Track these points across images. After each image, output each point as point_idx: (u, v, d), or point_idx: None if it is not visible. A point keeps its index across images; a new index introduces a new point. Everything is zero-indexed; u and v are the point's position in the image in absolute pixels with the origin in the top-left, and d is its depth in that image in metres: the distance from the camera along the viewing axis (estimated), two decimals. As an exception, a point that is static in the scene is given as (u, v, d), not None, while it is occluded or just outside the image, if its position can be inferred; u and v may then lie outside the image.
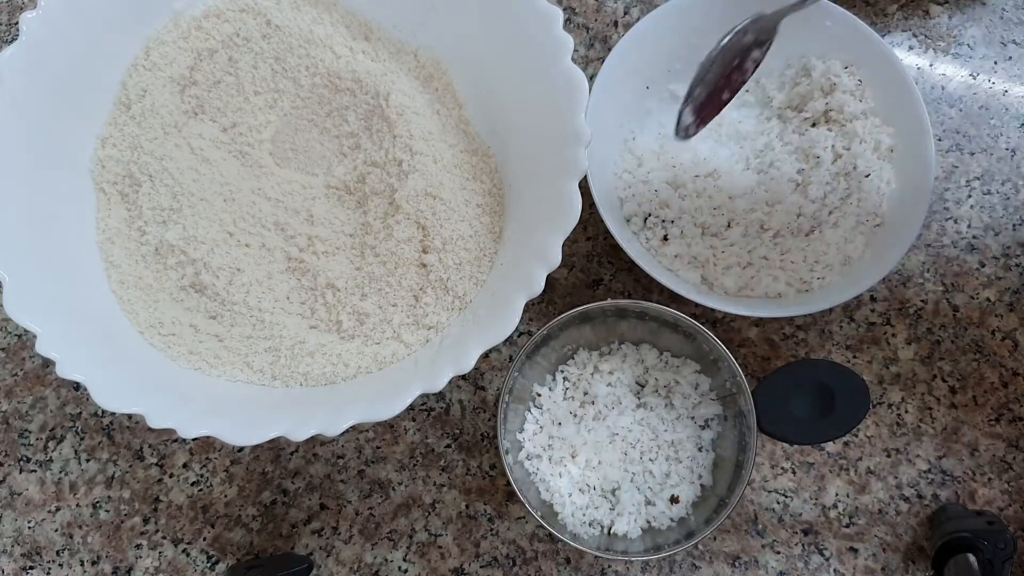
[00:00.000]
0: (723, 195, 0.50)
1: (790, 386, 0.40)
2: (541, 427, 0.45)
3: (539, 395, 0.45)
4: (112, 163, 0.46)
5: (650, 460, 0.44)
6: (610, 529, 0.43)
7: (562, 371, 0.46)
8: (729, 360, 0.42)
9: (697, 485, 0.44)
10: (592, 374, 0.46)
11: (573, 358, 0.47)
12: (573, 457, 0.44)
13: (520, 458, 0.44)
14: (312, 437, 0.38)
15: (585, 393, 0.45)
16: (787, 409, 0.40)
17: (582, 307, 0.42)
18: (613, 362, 0.46)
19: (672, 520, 0.43)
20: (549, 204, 0.40)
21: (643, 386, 0.46)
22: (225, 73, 0.47)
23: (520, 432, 0.45)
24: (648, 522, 0.43)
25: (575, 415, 0.45)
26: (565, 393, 0.46)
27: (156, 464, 0.49)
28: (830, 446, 0.49)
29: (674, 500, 0.43)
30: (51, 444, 0.50)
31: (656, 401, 0.45)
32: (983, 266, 0.51)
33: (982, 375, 0.50)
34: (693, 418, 0.45)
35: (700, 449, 0.45)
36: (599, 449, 0.44)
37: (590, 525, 0.43)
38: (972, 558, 0.44)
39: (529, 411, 0.45)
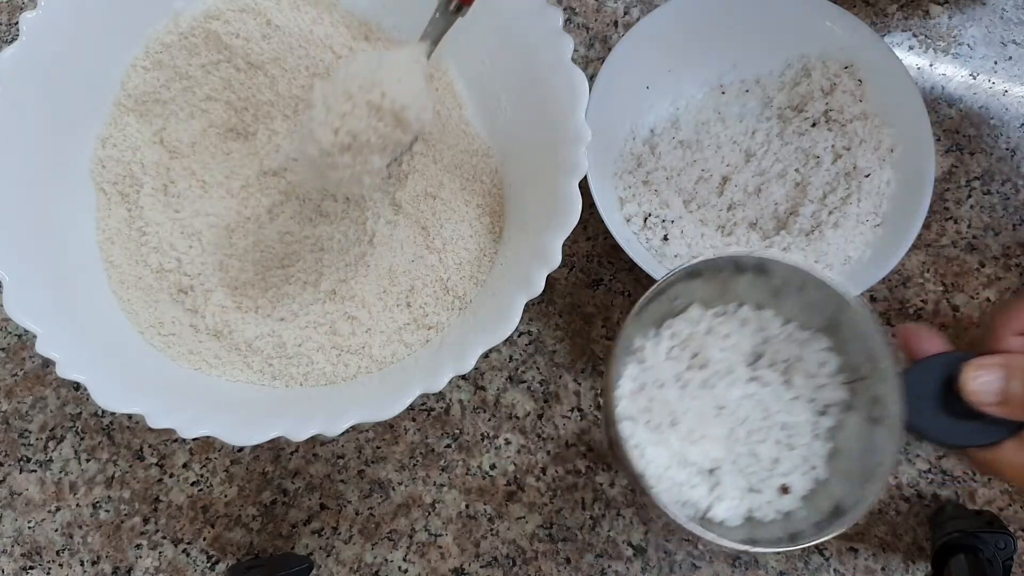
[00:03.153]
0: (723, 195, 0.50)
1: (942, 378, 0.34)
2: (641, 386, 0.38)
3: (641, 349, 0.38)
4: (112, 163, 0.46)
5: (758, 442, 0.38)
6: (705, 513, 0.37)
7: (669, 326, 0.39)
8: (875, 338, 0.35)
9: (810, 477, 0.38)
10: (705, 334, 0.39)
11: (684, 313, 0.39)
12: (673, 425, 0.38)
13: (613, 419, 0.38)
14: (312, 437, 0.38)
15: (694, 355, 0.39)
16: (938, 405, 0.34)
17: (693, 263, 0.36)
18: (730, 324, 0.39)
19: (778, 513, 0.37)
20: (549, 204, 0.40)
21: (760, 357, 0.39)
22: (225, 73, 0.47)
23: (615, 390, 0.38)
24: (750, 510, 0.37)
25: (679, 379, 0.39)
26: (670, 351, 0.39)
27: (156, 464, 0.49)
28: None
29: (784, 490, 0.37)
30: (51, 444, 0.50)
31: (773, 376, 0.39)
32: (983, 266, 0.51)
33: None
34: (813, 401, 0.38)
35: (816, 437, 0.38)
36: (702, 421, 0.38)
37: (683, 505, 0.37)
38: (972, 558, 0.44)
39: (627, 367, 0.38)
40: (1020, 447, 0.32)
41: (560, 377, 0.50)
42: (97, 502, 0.49)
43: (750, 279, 0.38)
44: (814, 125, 0.50)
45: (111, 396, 0.38)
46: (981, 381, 0.32)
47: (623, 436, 0.36)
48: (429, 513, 0.49)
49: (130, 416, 0.50)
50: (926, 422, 0.34)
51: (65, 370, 0.38)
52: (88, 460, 0.50)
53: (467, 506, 0.49)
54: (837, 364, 0.38)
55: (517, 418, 0.50)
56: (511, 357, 0.51)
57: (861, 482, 0.35)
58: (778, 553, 0.38)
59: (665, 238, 0.49)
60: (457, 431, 0.50)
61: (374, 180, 0.39)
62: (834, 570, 0.48)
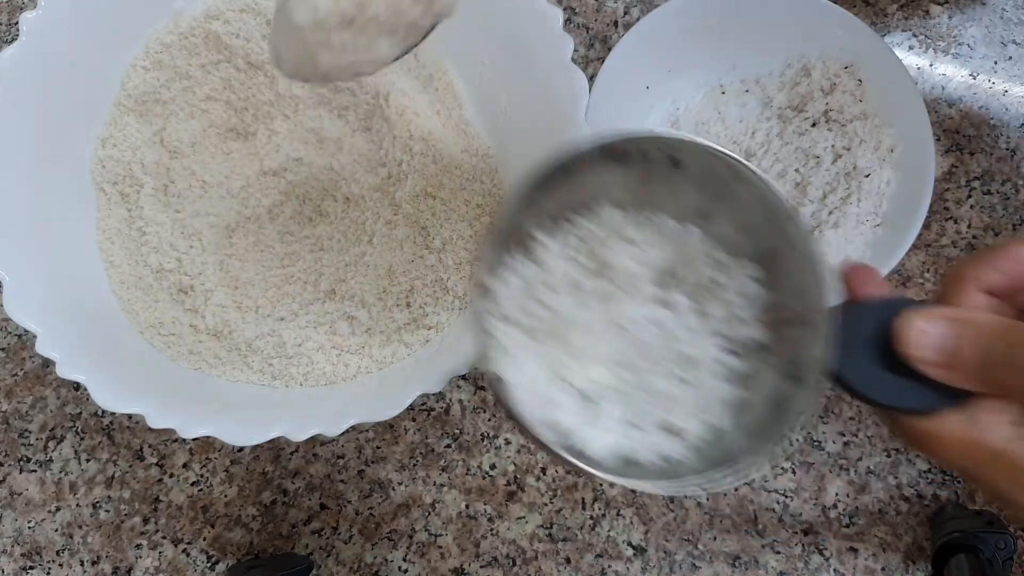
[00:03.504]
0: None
1: (882, 326, 0.27)
2: (528, 285, 0.32)
3: (536, 240, 0.32)
4: (112, 163, 0.46)
5: (653, 372, 0.32)
6: (576, 443, 0.31)
7: (573, 221, 0.33)
8: (814, 270, 0.29)
9: (708, 425, 0.32)
10: (614, 239, 0.33)
11: (592, 210, 0.33)
12: (556, 337, 0.32)
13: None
14: (312, 437, 0.38)
15: (597, 261, 0.33)
16: (874, 357, 0.28)
17: (620, 135, 0.29)
18: (646, 232, 0.33)
19: (661, 458, 0.31)
20: (549, 204, 0.40)
21: (674, 277, 0.33)
22: (225, 73, 0.47)
23: (492, 277, 0.31)
24: (629, 450, 0.31)
25: (575, 285, 0.33)
26: (568, 250, 0.33)
27: (156, 464, 0.49)
28: (830, 445, 0.49)
29: (669, 430, 0.31)
30: (51, 444, 0.50)
31: (684, 302, 0.33)
32: (983, 266, 0.51)
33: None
34: (727, 339, 0.32)
35: (723, 379, 0.32)
36: (591, 338, 0.32)
37: (550, 429, 0.31)
38: (972, 558, 0.44)
39: (514, 258, 0.32)
40: (962, 422, 0.26)
41: (560, 377, 0.50)
42: (97, 502, 0.49)
43: (679, 183, 0.32)
44: (814, 125, 0.50)
45: (111, 396, 0.38)
46: (922, 333, 0.26)
47: (494, 336, 0.31)
48: (429, 513, 0.49)
49: (130, 416, 0.50)
50: (854, 373, 0.28)
51: (65, 370, 0.38)
52: (88, 460, 0.50)
53: (467, 506, 0.49)
54: (763, 301, 0.32)
55: (517, 418, 0.50)
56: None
57: (763, 442, 0.29)
58: (651, 490, 0.31)
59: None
60: (457, 431, 0.50)
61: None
62: (834, 570, 0.48)
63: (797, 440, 0.49)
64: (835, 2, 0.49)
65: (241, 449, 0.50)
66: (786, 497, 0.49)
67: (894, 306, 0.27)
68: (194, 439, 0.50)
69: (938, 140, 0.53)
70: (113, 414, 0.50)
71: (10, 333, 0.52)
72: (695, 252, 0.33)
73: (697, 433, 0.31)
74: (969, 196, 0.52)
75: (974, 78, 0.54)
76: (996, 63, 0.54)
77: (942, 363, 0.26)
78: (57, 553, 0.49)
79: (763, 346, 0.32)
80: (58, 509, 0.49)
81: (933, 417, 0.26)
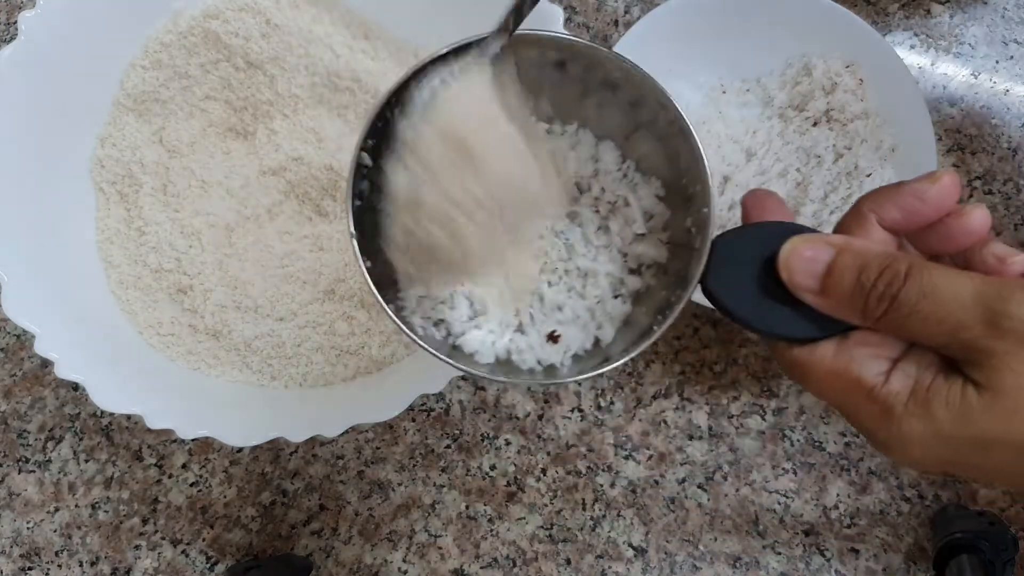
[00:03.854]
0: (724, 194, 0.49)
1: (767, 250, 0.26)
2: (415, 173, 0.31)
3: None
4: (111, 163, 0.46)
5: (548, 282, 0.33)
6: (455, 341, 0.32)
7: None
8: (700, 165, 0.29)
9: (591, 336, 0.32)
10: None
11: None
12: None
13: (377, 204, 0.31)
14: (311, 438, 0.38)
15: None
16: (755, 280, 0.27)
17: (542, 33, 0.30)
18: (559, 143, 0.33)
19: (537, 364, 0.32)
20: (549, 204, 0.40)
21: (581, 191, 0.34)
22: (225, 72, 0.47)
23: (384, 172, 0.30)
24: (507, 352, 0.32)
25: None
26: None
27: (155, 465, 0.49)
28: (831, 446, 0.49)
29: (552, 338, 0.32)
30: (50, 445, 0.50)
31: (590, 216, 0.33)
32: (985, 266, 0.51)
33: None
34: (626, 256, 0.33)
35: (616, 297, 0.33)
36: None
37: (434, 325, 0.32)
38: (974, 559, 0.44)
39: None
40: (839, 352, 0.25)
41: (560, 377, 0.50)
42: (96, 503, 0.49)
43: (600, 98, 0.32)
44: (815, 124, 0.50)
45: (110, 396, 0.38)
46: (803, 259, 0.25)
47: (381, 228, 0.30)
48: (429, 514, 0.49)
49: (129, 416, 0.49)
50: (733, 295, 0.27)
51: (64, 370, 0.38)
52: (87, 461, 0.50)
53: (467, 507, 0.49)
54: (666, 219, 0.32)
55: (517, 419, 0.50)
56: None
57: (636, 343, 0.29)
58: (521, 383, 0.32)
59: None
60: (457, 432, 0.50)
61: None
62: (835, 571, 0.47)
63: (798, 441, 0.49)
64: (836, 1, 0.49)
65: (240, 450, 0.49)
66: (787, 498, 0.48)
67: (783, 231, 0.26)
68: (193, 440, 0.49)
69: (939, 139, 0.53)
70: (112, 414, 0.50)
71: (9, 333, 0.51)
72: (608, 167, 0.33)
73: (580, 343, 0.32)
74: (970, 196, 0.52)
75: (975, 77, 0.54)
76: (997, 62, 0.54)
77: (820, 290, 0.25)
78: (56, 554, 0.49)
79: (659, 265, 0.32)
80: (57, 510, 0.49)
81: (809, 347, 0.26)
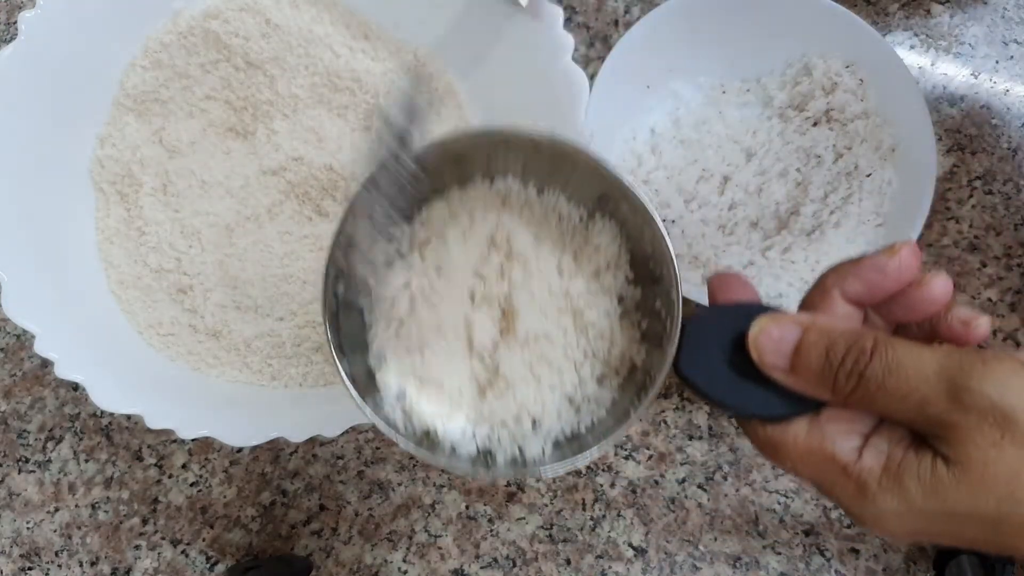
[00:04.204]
0: (724, 194, 0.49)
1: (737, 330, 0.27)
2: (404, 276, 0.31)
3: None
4: (111, 163, 0.46)
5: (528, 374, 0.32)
6: (434, 433, 0.31)
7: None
8: (671, 263, 0.28)
9: (571, 422, 0.31)
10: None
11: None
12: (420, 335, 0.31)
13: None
14: (311, 438, 0.38)
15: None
16: (726, 361, 0.27)
17: (451, 135, 0.29)
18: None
19: (518, 451, 0.31)
20: (549, 204, 0.40)
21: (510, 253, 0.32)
22: (225, 72, 0.47)
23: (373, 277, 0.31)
24: (487, 441, 0.31)
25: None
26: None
27: (155, 465, 0.49)
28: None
29: (528, 426, 0.31)
30: (50, 444, 0.50)
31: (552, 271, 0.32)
32: (984, 266, 0.51)
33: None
34: (591, 343, 0.32)
35: (599, 382, 0.32)
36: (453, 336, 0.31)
37: (413, 419, 0.31)
38: (974, 559, 0.44)
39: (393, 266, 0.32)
40: (812, 430, 0.25)
41: (560, 377, 0.50)
42: (96, 503, 0.49)
43: (568, 175, 0.31)
44: (815, 124, 0.50)
45: (110, 396, 0.38)
46: (771, 337, 0.25)
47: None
48: (429, 514, 0.49)
49: (129, 416, 0.49)
50: (705, 376, 0.27)
51: (64, 370, 0.38)
52: (87, 461, 0.50)
53: (467, 507, 0.49)
54: (636, 300, 0.32)
55: (517, 418, 0.50)
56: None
57: (610, 432, 0.29)
58: (503, 476, 0.31)
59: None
60: (457, 431, 0.50)
61: None
62: (835, 571, 0.47)
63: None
64: (836, 1, 0.49)
65: (240, 450, 0.49)
66: (787, 498, 0.48)
67: (751, 311, 0.27)
68: (193, 440, 0.49)
69: (939, 139, 0.53)
70: (112, 414, 0.50)
71: (9, 333, 0.51)
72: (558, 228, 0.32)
73: (559, 431, 0.31)
74: (971, 196, 0.52)
75: (975, 77, 0.54)
76: (998, 62, 0.54)
77: (789, 369, 0.25)
78: (56, 554, 0.49)
79: (628, 360, 0.31)
80: (57, 510, 0.49)
81: (782, 425, 0.26)
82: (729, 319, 0.27)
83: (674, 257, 0.29)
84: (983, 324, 0.26)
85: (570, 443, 0.31)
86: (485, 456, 0.31)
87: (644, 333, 0.31)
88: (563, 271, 0.31)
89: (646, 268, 0.31)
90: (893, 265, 0.26)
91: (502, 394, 0.31)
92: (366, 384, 0.31)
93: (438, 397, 0.31)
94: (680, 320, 0.28)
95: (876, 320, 0.28)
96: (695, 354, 0.28)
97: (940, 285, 0.26)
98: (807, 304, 0.28)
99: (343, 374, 0.29)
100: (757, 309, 0.27)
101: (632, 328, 0.31)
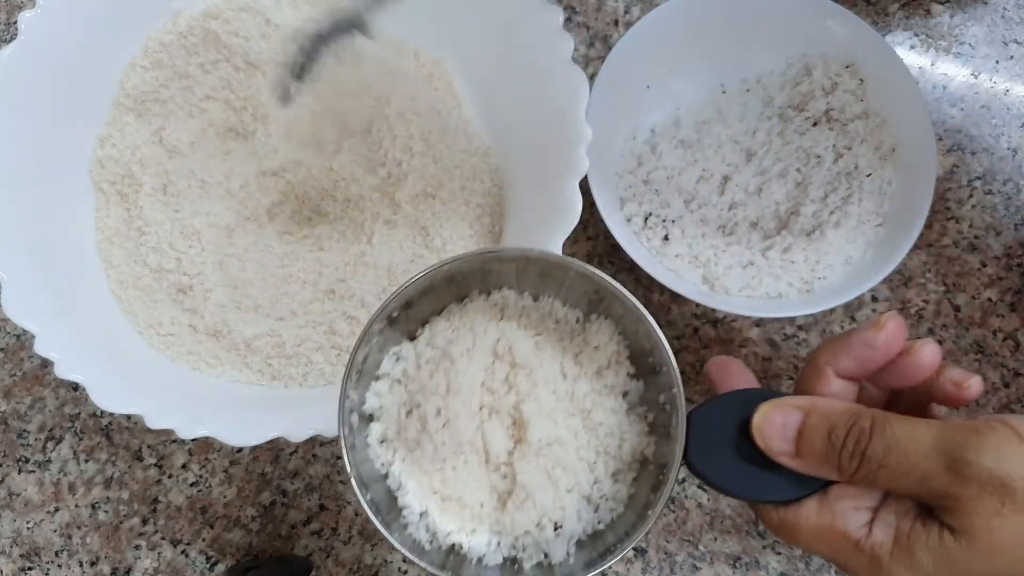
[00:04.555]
0: (724, 194, 0.49)
1: (739, 418, 0.28)
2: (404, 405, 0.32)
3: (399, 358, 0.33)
4: (111, 163, 0.46)
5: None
6: (460, 549, 0.32)
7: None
8: (669, 358, 0.29)
9: (592, 521, 0.32)
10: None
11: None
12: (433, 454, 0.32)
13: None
14: (312, 438, 0.38)
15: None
16: (732, 450, 0.28)
17: (447, 262, 0.31)
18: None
19: (544, 556, 0.31)
20: (549, 204, 0.40)
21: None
22: (224, 72, 0.47)
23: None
24: (512, 549, 0.32)
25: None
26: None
27: (155, 465, 0.49)
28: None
29: (554, 528, 0.31)
30: (50, 444, 0.50)
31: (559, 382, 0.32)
32: (985, 266, 0.51)
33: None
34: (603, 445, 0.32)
35: (614, 479, 0.32)
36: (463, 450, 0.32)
37: (435, 536, 0.32)
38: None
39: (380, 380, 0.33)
40: (822, 509, 0.26)
41: (560, 377, 0.50)
42: (96, 503, 0.49)
43: (560, 284, 0.33)
44: (815, 124, 0.50)
45: (110, 396, 0.38)
46: (774, 425, 0.26)
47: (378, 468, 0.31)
48: (429, 514, 0.49)
49: (129, 416, 0.49)
50: (713, 468, 0.28)
51: (63, 370, 0.38)
52: (87, 461, 0.50)
53: (467, 507, 0.49)
54: (640, 393, 0.32)
55: (517, 418, 0.49)
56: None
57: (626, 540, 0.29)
58: None
59: (666, 238, 0.48)
60: (457, 432, 0.49)
61: None
62: (835, 571, 0.47)
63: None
64: (836, 1, 0.49)
65: (240, 450, 0.49)
66: (787, 498, 0.48)
67: (752, 398, 0.28)
68: (193, 440, 0.49)
69: (939, 139, 0.53)
70: (112, 414, 0.50)
71: (8, 333, 0.51)
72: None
73: (581, 530, 0.32)
74: (971, 196, 0.52)
75: (975, 77, 0.54)
76: (998, 62, 0.54)
77: (795, 453, 0.26)
78: (56, 554, 0.49)
79: (640, 458, 0.32)
80: (57, 510, 0.49)
81: (793, 507, 0.27)
82: (732, 408, 0.28)
83: (671, 353, 0.30)
84: (975, 384, 0.27)
85: (592, 541, 0.32)
86: (512, 563, 0.32)
87: (651, 425, 0.32)
88: (566, 374, 0.32)
89: (646, 361, 0.32)
90: (881, 340, 0.27)
91: (522, 503, 0.31)
92: (389, 508, 0.31)
93: (460, 513, 0.32)
94: (684, 415, 0.29)
95: (871, 389, 0.29)
96: (703, 447, 0.28)
97: (928, 353, 0.27)
98: (802, 383, 0.29)
99: (366, 505, 0.30)
100: (758, 396, 0.28)
101: (640, 421, 0.32)
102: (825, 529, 0.26)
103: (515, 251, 0.32)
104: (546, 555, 0.31)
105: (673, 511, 0.48)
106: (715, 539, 0.48)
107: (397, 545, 0.30)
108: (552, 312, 0.33)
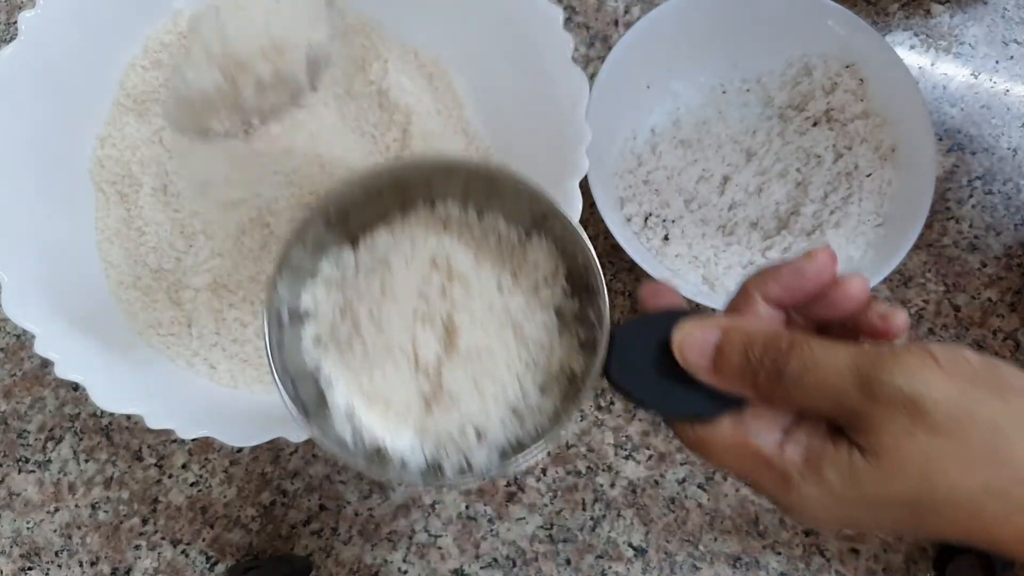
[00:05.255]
0: (724, 194, 0.49)
1: (664, 335, 0.28)
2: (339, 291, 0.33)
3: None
4: (111, 163, 0.46)
5: (451, 373, 0.32)
6: (383, 449, 0.32)
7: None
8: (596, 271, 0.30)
9: (515, 432, 0.32)
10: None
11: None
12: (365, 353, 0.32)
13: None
14: (311, 438, 0.38)
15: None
16: (654, 366, 0.28)
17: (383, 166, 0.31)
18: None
19: (466, 463, 0.32)
20: (549, 204, 0.40)
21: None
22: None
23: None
24: (435, 454, 0.32)
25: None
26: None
27: (155, 465, 0.49)
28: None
29: (471, 437, 0.32)
30: (50, 444, 0.50)
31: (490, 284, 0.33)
32: (985, 266, 0.51)
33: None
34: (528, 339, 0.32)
35: (541, 392, 0.33)
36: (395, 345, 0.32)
37: (361, 435, 0.32)
38: (975, 559, 0.44)
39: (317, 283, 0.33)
40: (736, 426, 0.27)
41: (560, 377, 0.50)
42: (96, 503, 0.49)
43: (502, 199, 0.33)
44: (815, 124, 0.50)
45: (110, 396, 0.38)
46: (694, 339, 0.27)
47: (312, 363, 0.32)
48: (429, 514, 0.49)
49: (129, 416, 0.49)
50: (633, 381, 0.29)
51: (63, 370, 0.38)
52: (87, 461, 0.50)
53: (467, 507, 0.49)
54: (575, 311, 0.33)
55: (517, 418, 0.50)
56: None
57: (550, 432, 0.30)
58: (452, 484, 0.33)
59: (666, 238, 0.48)
60: (457, 432, 0.50)
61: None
62: (835, 571, 0.47)
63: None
64: (836, 1, 0.49)
65: (240, 450, 0.49)
66: (787, 498, 0.48)
67: (676, 316, 0.28)
68: (193, 440, 0.49)
69: (939, 139, 0.53)
70: (112, 415, 0.50)
71: (8, 333, 0.51)
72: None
73: (505, 441, 0.32)
74: (971, 196, 0.52)
75: (975, 77, 0.54)
76: (997, 62, 0.54)
77: (712, 369, 0.27)
78: (56, 554, 0.49)
79: (565, 369, 0.32)
80: (57, 510, 0.49)
81: (709, 424, 0.27)
82: (656, 325, 0.28)
83: (599, 269, 0.30)
84: (900, 317, 0.27)
85: (516, 452, 0.32)
86: (434, 468, 0.32)
87: (582, 343, 0.32)
88: (503, 288, 0.32)
89: (582, 281, 0.32)
90: (811, 268, 0.27)
91: (447, 408, 0.32)
92: (318, 404, 0.32)
93: (386, 413, 0.32)
94: (608, 328, 0.29)
95: (799, 321, 0.29)
96: (624, 361, 0.29)
97: (857, 284, 0.27)
98: (731, 309, 0.29)
99: (284, 395, 0.30)
100: (682, 314, 0.28)
101: (571, 338, 0.33)
102: (738, 446, 0.27)
103: (464, 162, 0.33)
104: (468, 461, 0.32)
105: (673, 511, 0.48)
106: (715, 539, 0.48)
107: (320, 438, 0.30)
108: (495, 228, 0.33)
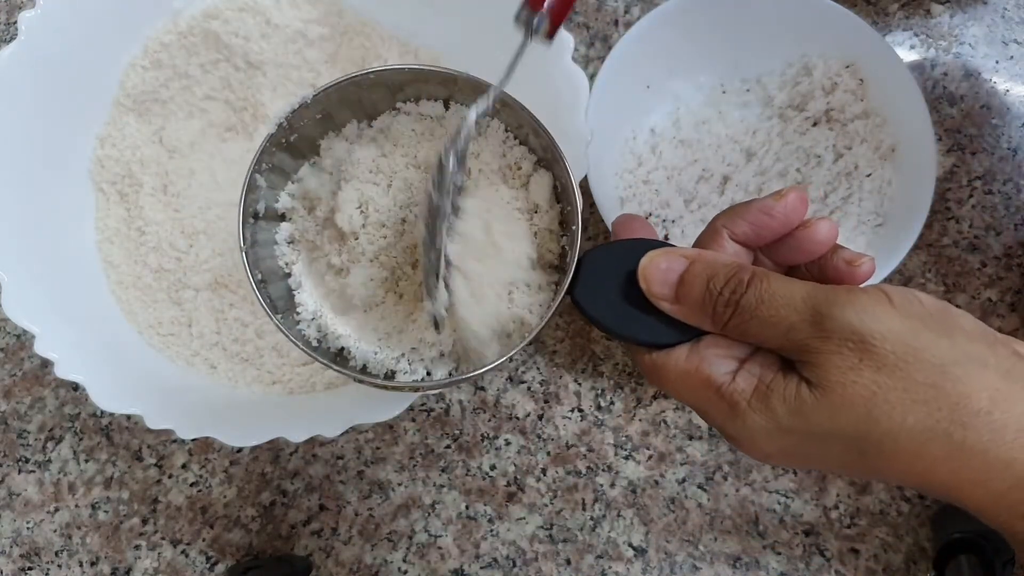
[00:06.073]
0: (724, 194, 0.49)
1: (631, 264, 0.28)
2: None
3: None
4: (111, 163, 0.46)
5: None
6: (347, 354, 0.34)
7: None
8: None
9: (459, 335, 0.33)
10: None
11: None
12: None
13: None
14: (311, 438, 0.38)
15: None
16: (619, 292, 0.29)
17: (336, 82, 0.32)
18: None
19: (426, 373, 0.33)
20: (549, 204, 0.40)
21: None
22: (224, 72, 0.47)
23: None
24: (396, 364, 0.34)
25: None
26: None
27: (155, 465, 0.49)
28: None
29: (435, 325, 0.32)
30: (50, 444, 0.50)
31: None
32: (985, 266, 0.51)
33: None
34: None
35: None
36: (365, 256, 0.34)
37: (324, 337, 0.34)
38: (974, 559, 0.44)
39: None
40: (691, 355, 0.27)
41: (560, 377, 0.50)
42: (96, 503, 0.49)
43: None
44: (815, 124, 0.50)
45: (109, 396, 0.38)
46: (658, 269, 0.27)
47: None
48: (429, 514, 0.49)
49: (129, 416, 0.49)
50: (596, 304, 0.29)
51: (63, 370, 0.38)
52: (87, 461, 0.50)
53: (467, 507, 0.49)
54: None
55: (517, 419, 0.50)
56: (511, 357, 0.50)
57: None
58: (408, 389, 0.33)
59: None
60: (457, 432, 0.50)
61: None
62: (835, 571, 0.47)
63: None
64: (836, 1, 0.49)
65: (240, 450, 0.49)
66: (787, 498, 0.48)
67: (644, 247, 0.28)
68: (193, 440, 0.49)
69: (939, 139, 0.53)
70: (112, 415, 0.50)
71: (9, 333, 0.51)
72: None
73: (447, 346, 0.34)
74: (971, 196, 0.52)
75: (975, 78, 0.54)
76: (997, 62, 0.54)
77: (674, 298, 0.27)
78: (56, 554, 0.49)
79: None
80: (57, 510, 0.49)
81: (666, 352, 0.28)
82: (625, 254, 0.29)
83: (578, 196, 0.31)
84: (866, 263, 0.28)
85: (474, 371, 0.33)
86: (391, 375, 0.33)
87: (556, 268, 0.34)
88: (492, 208, 0.33)
89: (560, 209, 0.33)
90: (779, 208, 0.28)
91: (417, 318, 0.33)
92: (287, 305, 0.34)
93: (350, 318, 0.34)
94: (577, 251, 0.30)
95: (766, 262, 0.30)
96: (590, 285, 0.29)
97: (825, 228, 0.28)
98: (698, 244, 0.30)
99: (253, 285, 0.32)
100: (651, 244, 0.29)
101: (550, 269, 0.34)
102: (691, 373, 0.27)
103: (439, 70, 0.34)
104: (428, 373, 0.33)
105: (673, 511, 0.48)
106: (715, 539, 0.48)
107: (284, 331, 0.32)
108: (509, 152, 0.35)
